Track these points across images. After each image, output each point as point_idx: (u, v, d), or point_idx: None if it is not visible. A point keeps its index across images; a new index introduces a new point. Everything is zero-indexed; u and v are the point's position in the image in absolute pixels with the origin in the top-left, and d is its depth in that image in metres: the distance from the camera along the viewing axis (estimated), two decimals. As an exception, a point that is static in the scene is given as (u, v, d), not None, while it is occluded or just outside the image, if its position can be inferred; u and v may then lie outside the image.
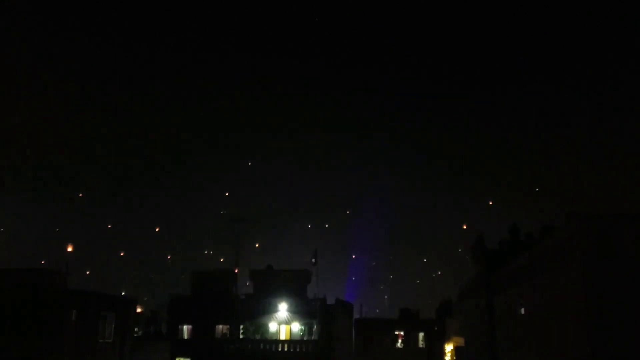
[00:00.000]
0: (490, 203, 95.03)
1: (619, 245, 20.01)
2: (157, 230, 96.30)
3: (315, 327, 44.42)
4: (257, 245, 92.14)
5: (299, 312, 45.08)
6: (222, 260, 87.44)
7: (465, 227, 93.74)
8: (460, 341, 48.53)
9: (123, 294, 63.41)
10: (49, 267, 33.91)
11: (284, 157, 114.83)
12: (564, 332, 22.15)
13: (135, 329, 43.14)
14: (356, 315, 56.25)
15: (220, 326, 46.01)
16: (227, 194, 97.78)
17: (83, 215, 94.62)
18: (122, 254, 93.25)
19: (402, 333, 51.48)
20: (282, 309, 45.06)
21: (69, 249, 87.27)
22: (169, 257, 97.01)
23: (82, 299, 30.27)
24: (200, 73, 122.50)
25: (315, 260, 48.34)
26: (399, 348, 51.33)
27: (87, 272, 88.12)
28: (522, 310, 28.85)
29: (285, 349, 43.10)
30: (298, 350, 42.75)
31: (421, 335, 50.55)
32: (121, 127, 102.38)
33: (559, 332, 22.86)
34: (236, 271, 55.50)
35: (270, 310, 45.37)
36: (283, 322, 45.26)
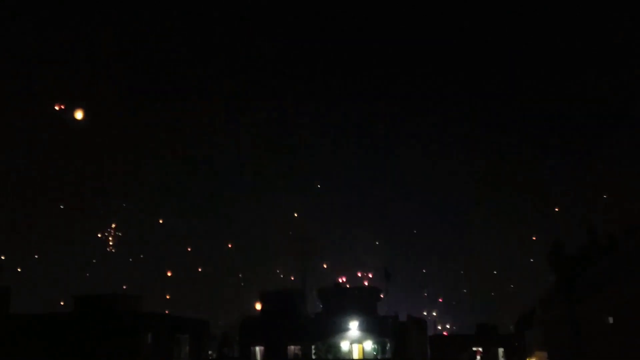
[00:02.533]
0: (557, 210, 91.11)
1: None
2: (229, 246, 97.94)
3: (388, 345, 43.35)
4: (324, 266, 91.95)
5: (370, 330, 44.16)
6: (292, 278, 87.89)
7: (534, 238, 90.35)
8: (543, 355, 46.12)
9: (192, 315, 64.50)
10: (124, 292, 34.80)
11: (351, 177, 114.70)
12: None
13: (209, 352, 43.48)
14: (430, 332, 54.69)
15: (292, 347, 45.67)
16: (295, 215, 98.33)
17: (161, 239, 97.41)
18: (199, 270, 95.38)
19: (480, 349, 49.60)
20: (353, 327, 44.25)
21: (169, 273, 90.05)
22: (240, 274, 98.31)
23: (157, 322, 30.74)
24: (270, 98, 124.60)
25: (387, 277, 47.54)
26: (477, 365, 49.51)
27: (167, 297, 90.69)
28: (610, 320, 26.97)
29: (359, 368, 42.26)
30: (372, 369, 41.82)
31: (501, 350, 48.55)
32: (196, 148, 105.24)
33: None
34: (305, 290, 55.38)
35: (341, 329, 44.66)
36: (355, 341, 44.42)
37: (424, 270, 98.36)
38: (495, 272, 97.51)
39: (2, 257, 68.53)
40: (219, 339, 53.22)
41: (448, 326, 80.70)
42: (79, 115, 57.44)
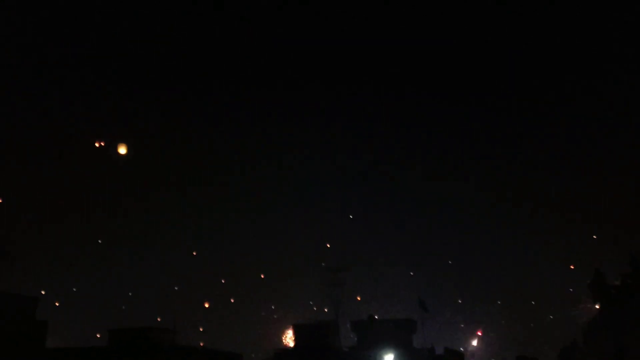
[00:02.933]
0: (595, 237, 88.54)
1: None
2: (262, 277, 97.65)
3: (424, 379, 42.34)
4: (358, 299, 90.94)
5: (406, 363, 43.22)
6: (326, 310, 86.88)
7: (572, 267, 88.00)
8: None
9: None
10: (158, 325, 34.84)
11: (384, 209, 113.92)
12: None
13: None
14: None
15: (326, 381, 44.89)
16: (328, 245, 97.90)
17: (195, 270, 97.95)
18: (232, 301, 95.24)
19: (520, 382, 47.85)
20: (388, 360, 43.38)
21: (206, 305, 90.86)
22: (272, 306, 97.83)
23: (191, 355, 30.62)
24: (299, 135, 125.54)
25: (424, 308, 46.59)
26: (517, 399, 47.66)
27: (201, 329, 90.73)
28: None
29: (395, 403, 41.22)
30: (409, 404, 40.75)
31: (542, 384, 46.73)
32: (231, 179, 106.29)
33: None
34: (338, 322, 54.61)
35: (375, 362, 43.81)
36: (390, 375, 43.49)
37: (460, 301, 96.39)
38: (533, 302, 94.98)
39: (42, 292, 69.73)
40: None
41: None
42: (122, 150, 58.60)
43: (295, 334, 51.49)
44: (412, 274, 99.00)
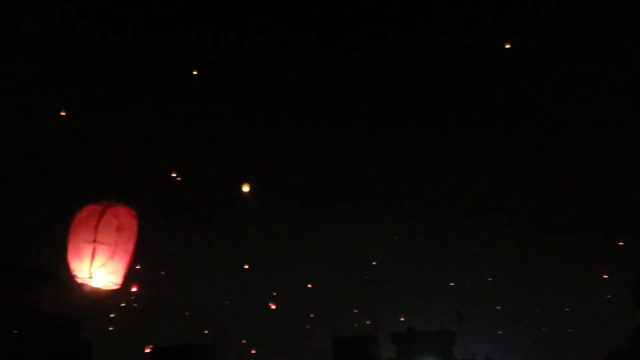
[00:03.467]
0: (621, 244, 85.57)
1: None
2: (309, 286, 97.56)
3: (466, 390, 41.88)
4: (402, 319, 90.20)
5: (447, 375, 42.87)
6: (367, 323, 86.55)
7: (606, 277, 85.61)
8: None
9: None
10: (199, 342, 35.41)
11: (422, 217, 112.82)
12: None
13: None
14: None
15: (367, 394, 44.82)
16: (374, 264, 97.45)
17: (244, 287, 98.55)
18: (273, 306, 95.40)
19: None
20: (430, 372, 43.12)
21: (273, 306, 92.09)
22: (313, 320, 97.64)
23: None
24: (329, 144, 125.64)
25: (460, 320, 46.14)
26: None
27: (243, 341, 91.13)
28: None
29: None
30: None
31: (588, 394, 45.59)
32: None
33: None
34: (378, 335, 54.42)
35: (416, 374, 43.59)
36: (432, 387, 43.19)
37: (498, 307, 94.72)
38: (567, 309, 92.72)
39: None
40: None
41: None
42: (245, 189, 59.89)
43: (334, 347, 51.59)
44: (452, 284, 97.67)
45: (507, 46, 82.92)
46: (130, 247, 11.40)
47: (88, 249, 10.90)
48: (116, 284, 11.02)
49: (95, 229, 10.47)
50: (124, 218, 10.64)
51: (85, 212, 11.97)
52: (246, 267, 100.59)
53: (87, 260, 11.08)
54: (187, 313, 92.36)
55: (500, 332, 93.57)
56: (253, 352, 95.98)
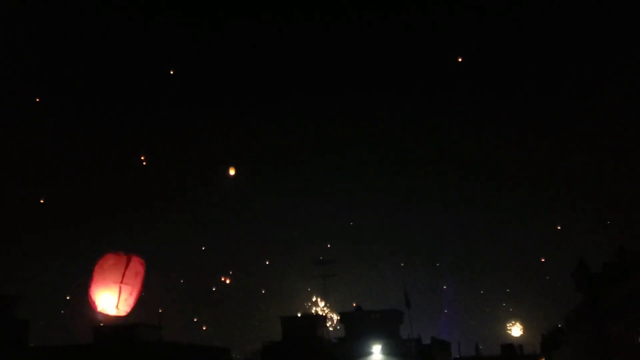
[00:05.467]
0: (559, 228, 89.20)
1: None
2: (267, 263, 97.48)
3: (412, 369, 42.66)
4: (346, 289, 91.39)
5: (393, 354, 43.46)
6: (315, 299, 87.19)
7: (543, 260, 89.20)
8: (572, 376, 44.92)
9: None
10: (144, 321, 34.59)
11: (373, 198, 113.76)
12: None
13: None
14: (455, 354, 53.61)
15: (315, 372, 45.14)
16: (328, 246, 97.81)
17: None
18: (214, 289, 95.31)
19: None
20: (376, 351, 43.59)
21: (227, 280, 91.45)
22: (261, 300, 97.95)
23: (176, 352, 30.51)
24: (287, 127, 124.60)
25: (407, 302, 46.77)
26: (503, 387, 48.33)
27: (195, 319, 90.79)
28: (641, 339, 26.20)
29: (383, 394, 41.53)
30: (396, 394, 41.08)
31: (527, 371, 47.37)
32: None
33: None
34: (326, 314, 54.92)
35: (363, 353, 44.01)
36: (378, 365, 43.78)
37: (445, 287, 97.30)
38: (508, 290, 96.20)
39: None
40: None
41: (481, 347, 79.41)
42: (231, 172, 60.05)
43: (283, 326, 51.63)
44: (402, 265, 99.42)
45: (459, 59, 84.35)
46: (140, 286, 16.19)
47: (116, 288, 14.65)
48: (126, 312, 15.33)
49: (123, 274, 14.15)
50: (140, 266, 14.66)
51: (110, 260, 17.72)
52: (203, 248, 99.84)
53: (115, 296, 14.75)
54: (143, 294, 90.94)
55: (445, 312, 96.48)
56: (204, 328, 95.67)
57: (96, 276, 18.88)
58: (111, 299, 18.62)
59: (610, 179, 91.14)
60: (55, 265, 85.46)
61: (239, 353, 64.01)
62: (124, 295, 15.11)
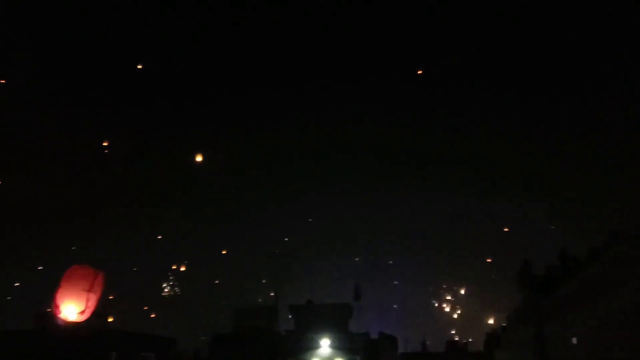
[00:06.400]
0: (506, 230, 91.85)
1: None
2: (224, 253, 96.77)
3: (359, 362, 43.33)
4: (298, 282, 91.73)
5: (341, 347, 44.11)
6: (270, 292, 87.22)
7: (489, 261, 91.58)
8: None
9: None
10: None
11: (327, 192, 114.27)
12: (621, 362, 20.73)
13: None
14: (402, 349, 54.59)
15: (263, 364, 45.36)
16: (284, 238, 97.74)
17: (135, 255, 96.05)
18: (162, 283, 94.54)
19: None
20: (325, 344, 44.15)
21: (182, 268, 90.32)
22: (213, 291, 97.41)
23: (121, 340, 30.19)
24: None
25: (357, 295, 47.49)
26: (447, 383, 49.51)
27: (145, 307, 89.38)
28: (574, 340, 27.29)
29: (329, 387, 42.07)
30: (342, 387, 41.66)
31: (470, 368, 48.62)
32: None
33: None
34: (277, 307, 55.12)
35: (312, 346, 44.53)
36: (326, 359, 44.27)
37: (396, 283, 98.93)
38: (455, 288, 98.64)
39: None
40: (189, 357, 52.50)
41: (429, 342, 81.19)
42: (198, 158, 59.85)
43: (235, 318, 51.73)
44: (357, 259, 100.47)
45: (419, 72, 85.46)
46: (100, 293, 17.51)
47: (84, 295, 16.40)
48: (87, 317, 16.75)
49: (92, 283, 16.32)
50: (103, 279, 16.80)
51: (80, 271, 17.97)
52: (159, 237, 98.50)
53: (84, 302, 16.60)
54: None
55: (395, 307, 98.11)
56: (153, 316, 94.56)
57: (64, 285, 21.95)
58: (76, 306, 21.49)
59: (558, 184, 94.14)
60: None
61: (188, 343, 63.56)
62: (91, 302, 17.31)
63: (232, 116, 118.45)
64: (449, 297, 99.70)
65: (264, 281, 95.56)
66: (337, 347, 43.97)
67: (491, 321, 71.32)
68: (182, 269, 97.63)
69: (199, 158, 61.67)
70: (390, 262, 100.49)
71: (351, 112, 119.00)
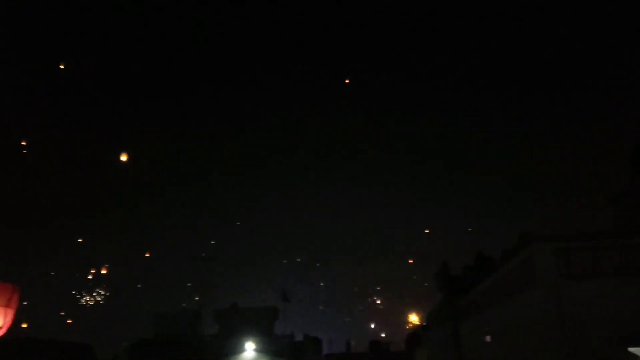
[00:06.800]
0: (427, 231, 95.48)
1: (576, 264, 20.04)
2: (147, 255, 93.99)
3: (283, 365, 43.50)
4: (223, 285, 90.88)
5: (266, 351, 44.10)
6: (195, 296, 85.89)
7: (411, 262, 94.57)
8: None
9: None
10: None
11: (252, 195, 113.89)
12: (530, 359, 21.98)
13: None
14: (326, 350, 55.24)
15: (186, 369, 44.61)
16: (210, 241, 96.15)
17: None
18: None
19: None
20: (249, 348, 43.99)
21: (103, 271, 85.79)
22: (135, 296, 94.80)
23: (35, 347, 28.95)
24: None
25: (285, 297, 47.59)
26: (370, 382, 50.51)
27: (62, 313, 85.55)
28: (488, 338, 28.63)
29: (253, 390, 41.99)
30: (266, 390, 41.69)
31: (392, 367, 49.82)
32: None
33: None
34: (201, 311, 54.40)
35: (236, 350, 44.26)
36: (250, 362, 44.18)
37: (322, 284, 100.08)
38: (378, 289, 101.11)
39: None
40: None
41: (353, 342, 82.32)
42: (123, 157, 57.15)
43: (157, 323, 50.46)
44: (285, 261, 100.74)
45: (347, 81, 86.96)
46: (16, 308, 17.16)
47: (1, 311, 16.35)
48: (3, 333, 16.51)
49: (9, 299, 16.26)
50: (18, 295, 16.59)
51: None
52: (80, 240, 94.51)
53: (2, 318, 16.46)
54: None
55: (321, 308, 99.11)
56: (69, 322, 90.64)
57: None
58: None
59: (477, 188, 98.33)
60: None
61: (107, 350, 61.54)
62: (9, 317, 16.60)
63: (157, 116, 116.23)
64: (373, 298, 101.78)
65: (189, 284, 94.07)
66: (261, 350, 43.93)
67: (413, 320, 73.35)
68: (103, 271, 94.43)
69: (123, 158, 60.18)
70: (317, 264, 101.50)
71: (272, 117, 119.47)
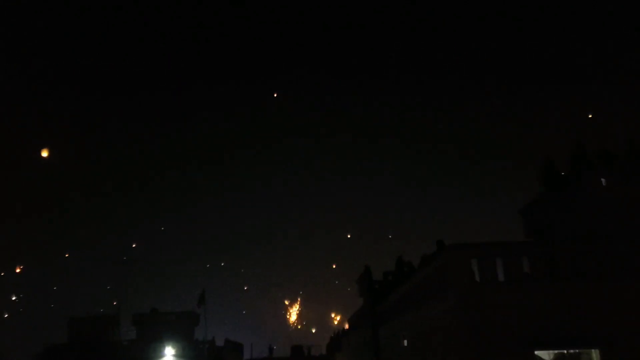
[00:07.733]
0: (349, 236, 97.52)
1: (488, 271, 20.97)
2: (67, 256, 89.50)
3: (203, 370, 42.98)
4: (144, 289, 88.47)
5: (186, 356, 43.54)
6: (113, 300, 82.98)
7: (335, 266, 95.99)
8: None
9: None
10: None
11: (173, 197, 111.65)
12: (442, 361, 22.79)
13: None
14: (248, 355, 55.00)
15: (101, 376, 43.21)
16: (132, 244, 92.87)
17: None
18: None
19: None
20: (169, 353, 43.31)
21: (17, 270, 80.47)
22: (50, 300, 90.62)
23: None
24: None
25: (201, 301, 46.94)
26: (291, 386, 50.72)
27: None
28: (405, 342, 29.41)
29: (172, 397, 41.24)
30: (185, 396, 41.03)
31: (313, 371, 50.28)
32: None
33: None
34: (119, 316, 52.74)
35: (155, 355, 43.42)
36: (169, 368, 43.38)
37: (246, 288, 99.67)
38: (301, 292, 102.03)
39: None
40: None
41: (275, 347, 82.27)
42: (44, 153, 53.81)
43: (71, 328, 48.64)
44: (208, 266, 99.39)
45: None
46: None
47: None
48: None
49: None
50: None
51: None
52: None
53: None
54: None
55: (244, 312, 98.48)
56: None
57: None
58: None
59: (396, 195, 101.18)
60: None
61: (18, 356, 58.52)
62: None
63: (83, 115, 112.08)
64: (296, 303, 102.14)
65: (108, 287, 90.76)
66: (181, 355, 43.35)
67: (336, 323, 74.37)
68: (17, 270, 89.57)
69: (44, 154, 57.81)
70: (242, 270, 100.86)
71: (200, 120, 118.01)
